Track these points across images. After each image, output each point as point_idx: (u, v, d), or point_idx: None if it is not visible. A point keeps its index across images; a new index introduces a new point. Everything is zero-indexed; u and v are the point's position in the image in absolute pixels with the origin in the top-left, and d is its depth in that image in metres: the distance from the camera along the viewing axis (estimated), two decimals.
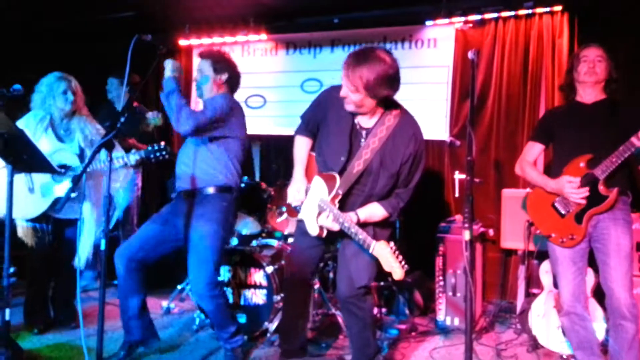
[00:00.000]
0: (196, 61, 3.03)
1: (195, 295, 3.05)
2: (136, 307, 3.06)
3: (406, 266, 2.38)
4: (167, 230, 3.03)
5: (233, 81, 3.14)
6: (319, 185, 2.61)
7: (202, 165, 3.00)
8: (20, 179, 3.34)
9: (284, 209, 3.93)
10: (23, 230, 3.42)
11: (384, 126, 2.51)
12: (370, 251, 2.42)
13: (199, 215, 2.95)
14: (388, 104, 2.53)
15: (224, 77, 3.08)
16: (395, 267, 2.35)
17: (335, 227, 2.50)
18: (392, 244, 2.42)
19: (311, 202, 2.63)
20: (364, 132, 2.57)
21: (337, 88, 2.54)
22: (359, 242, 2.47)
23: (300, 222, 2.75)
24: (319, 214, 2.55)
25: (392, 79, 2.39)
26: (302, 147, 2.82)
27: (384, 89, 2.39)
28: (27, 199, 3.34)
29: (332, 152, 2.62)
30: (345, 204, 2.58)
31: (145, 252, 2.99)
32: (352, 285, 2.61)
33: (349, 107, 2.49)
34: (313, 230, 2.61)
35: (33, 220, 3.40)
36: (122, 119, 2.53)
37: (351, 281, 2.61)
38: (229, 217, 3.06)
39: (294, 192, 2.70)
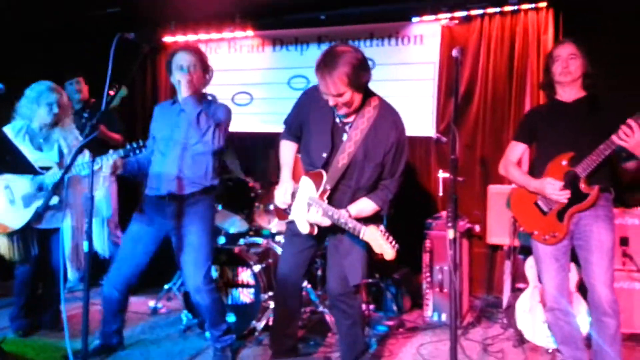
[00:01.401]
0: (182, 55, 2.98)
1: (192, 291, 3.07)
2: (121, 320, 3.29)
3: (397, 246, 2.41)
4: (155, 243, 3.11)
5: (207, 83, 3.15)
6: (306, 184, 2.63)
7: (191, 169, 3.01)
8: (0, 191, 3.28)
9: (270, 206, 3.92)
10: (5, 246, 3.31)
11: (364, 118, 2.55)
12: (360, 237, 2.44)
13: (193, 214, 3.02)
14: (366, 95, 2.56)
15: (208, 76, 3.09)
16: (387, 249, 2.37)
17: (326, 222, 2.53)
18: (381, 227, 2.44)
19: (300, 201, 2.65)
20: (346, 127, 2.59)
21: (317, 87, 2.56)
22: (350, 232, 2.48)
23: (291, 224, 2.76)
24: (309, 211, 2.56)
25: (363, 62, 2.43)
26: (287, 150, 2.83)
27: (363, 75, 2.44)
28: (9, 211, 3.26)
29: (314, 150, 2.64)
30: (333, 199, 2.60)
31: (137, 274, 3.14)
32: (345, 283, 2.64)
33: (343, 111, 2.52)
34: (304, 229, 2.62)
35: (17, 232, 3.30)
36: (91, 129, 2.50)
37: (344, 280, 2.64)
38: (213, 214, 3.19)
39: (281, 194, 2.72)
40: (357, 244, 2.58)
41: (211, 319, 3.11)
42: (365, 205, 2.56)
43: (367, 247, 2.53)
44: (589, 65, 2.74)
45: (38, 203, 3.25)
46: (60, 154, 3.39)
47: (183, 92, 2.89)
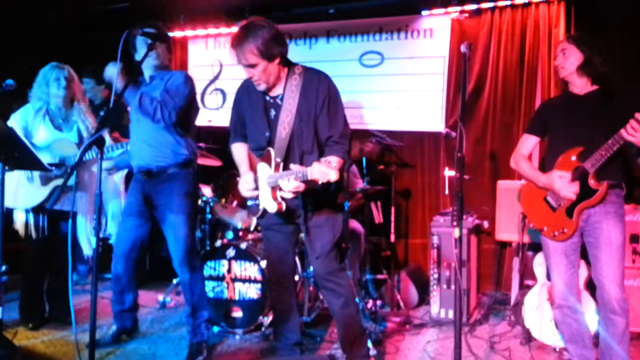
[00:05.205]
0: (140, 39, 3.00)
1: (176, 265, 3.15)
2: (132, 301, 3.36)
3: (337, 166, 2.40)
4: (145, 217, 3.20)
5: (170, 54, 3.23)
6: (262, 168, 2.67)
7: (164, 142, 3.07)
8: None
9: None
10: (21, 221, 3.45)
11: (293, 86, 2.62)
12: (309, 177, 2.39)
13: (169, 191, 3.09)
14: (289, 67, 2.64)
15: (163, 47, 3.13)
16: (331, 174, 2.31)
17: (292, 187, 2.47)
18: (322, 159, 2.45)
19: (262, 185, 2.68)
20: (277, 100, 2.66)
21: (245, 81, 2.72)
22: (299, 178, 2.42)
23: (261, 220, 2.78)
24: (273, 189, 2.58)
25: (277, 37, 2.53)
26: (239, 150, 2.86)
27: (276, 48, 2.52)
28: (27, 188, 3.39)
29: (256, 133, 2.72)
30: (286, 169, 2.60)
31: (136, 248, 3.23)
32: (328, 261, 2.69)
33: (262, 86, 2.60)
34: (272, 208, 2.62)
35: (31, 210, 3.43)
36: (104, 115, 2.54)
37: (326, 258, 2.69)
38: (195, 189, 3.25)
39: (244, 184, 2.73)
40: (324, 225, 2.67)
41: (193, 301, 3.16)
42: (330, 160, 2.51)
43: (334, 224, 2.69)
44: (590, 56, 2.65)
45: (55, 183, 3.38)
46: (79, 136, 3.49)
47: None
